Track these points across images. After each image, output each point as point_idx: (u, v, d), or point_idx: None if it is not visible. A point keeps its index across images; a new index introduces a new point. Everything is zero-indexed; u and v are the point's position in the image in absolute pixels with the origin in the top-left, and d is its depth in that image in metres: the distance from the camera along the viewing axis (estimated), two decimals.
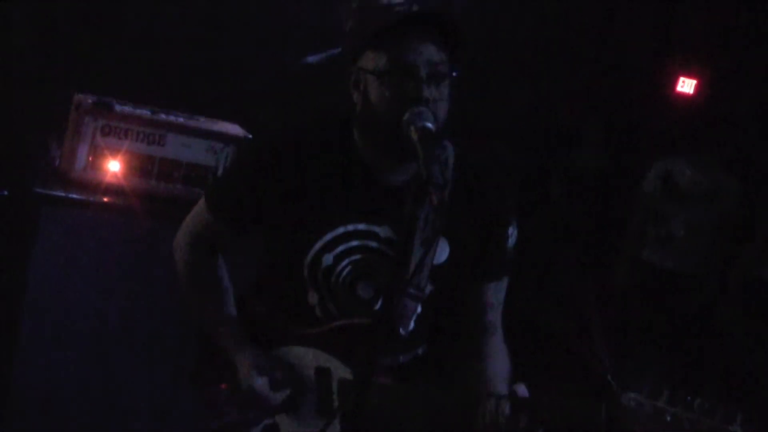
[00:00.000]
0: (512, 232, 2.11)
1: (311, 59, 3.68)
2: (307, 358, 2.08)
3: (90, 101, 3.37)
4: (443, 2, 2.00)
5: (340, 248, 2.04)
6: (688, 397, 1.64)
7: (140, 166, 3.45)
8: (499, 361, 2.10)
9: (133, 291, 3.39)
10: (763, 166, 5.47)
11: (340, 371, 2.04)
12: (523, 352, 2.19)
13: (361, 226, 2.04)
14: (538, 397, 1.83)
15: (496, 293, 2.13)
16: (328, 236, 2.04)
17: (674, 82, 6.29)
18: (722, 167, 4.99)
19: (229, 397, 2.17)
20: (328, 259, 2.05)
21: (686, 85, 6.28)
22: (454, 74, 1.93)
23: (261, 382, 2.07)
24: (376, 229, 2.04)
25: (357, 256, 2.05)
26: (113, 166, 3.40)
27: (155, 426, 3.45)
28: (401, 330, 2.02)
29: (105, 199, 3.38)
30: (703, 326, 5.03)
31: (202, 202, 2.18)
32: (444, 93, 1.93)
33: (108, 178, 3.39)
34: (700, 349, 4.74)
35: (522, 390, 1.87)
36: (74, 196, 3.34)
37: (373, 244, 2.04)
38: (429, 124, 1.84)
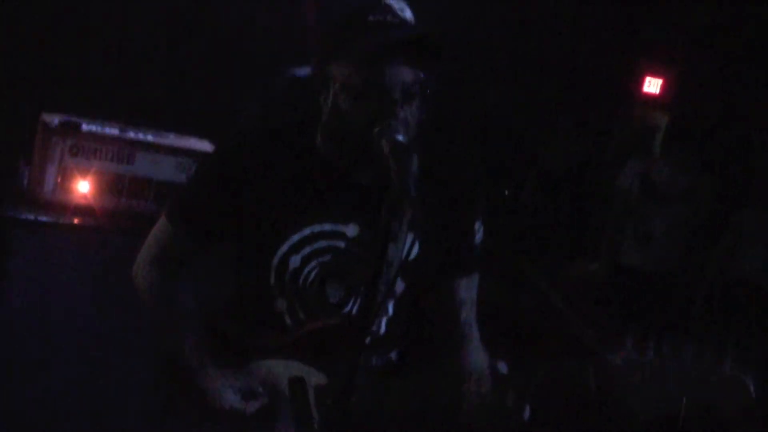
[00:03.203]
0: (479, 227, 2.11)
1: (299, 73, 3.62)
2: (278, 369, 2.03)
3: (57, 121, 3.34)
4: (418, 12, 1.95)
5: (307, 249, 2.02)
6: (675, 344, 1.59)
7: (110, 186, 3.43)
8: (478, 355, 2.05)
9: (108, 311, 3.36)
10: (730, 162, 5.53)
11: (315, 378, 1.99)
12: (504, 336, 2.15)
13: (328, 227, 2.02)
14: (521, 372, 1.76)
15: (467, 290, 2.12)
16: (295, 238, 2.02)
17: (641, 83, 6.37)
18: (698, 166, 5.03)
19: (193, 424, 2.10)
20: (295, 261, 2.02)
21: (652, 85, 6.35)
22: (427, 92, 1.92)
23: (232, 398, 2.01)
24: (343, 228, 2.02)
25: (325, 257, 2.03)
26: (83, 187, 3.37)
27: None
28: (374, 327, 1.99)
29: (75, 221, 3.36)
30: (680, 326, 5.07)
31: (163, 218, 2.15)
32: (414, 108, 1.92)
33: (78, 199, 3.37)
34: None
35: (503, 366, 1.80)
36: (44, 218, 3.31)
37: (341, 244, 2.02)
38: (400, 137, 1.84)
